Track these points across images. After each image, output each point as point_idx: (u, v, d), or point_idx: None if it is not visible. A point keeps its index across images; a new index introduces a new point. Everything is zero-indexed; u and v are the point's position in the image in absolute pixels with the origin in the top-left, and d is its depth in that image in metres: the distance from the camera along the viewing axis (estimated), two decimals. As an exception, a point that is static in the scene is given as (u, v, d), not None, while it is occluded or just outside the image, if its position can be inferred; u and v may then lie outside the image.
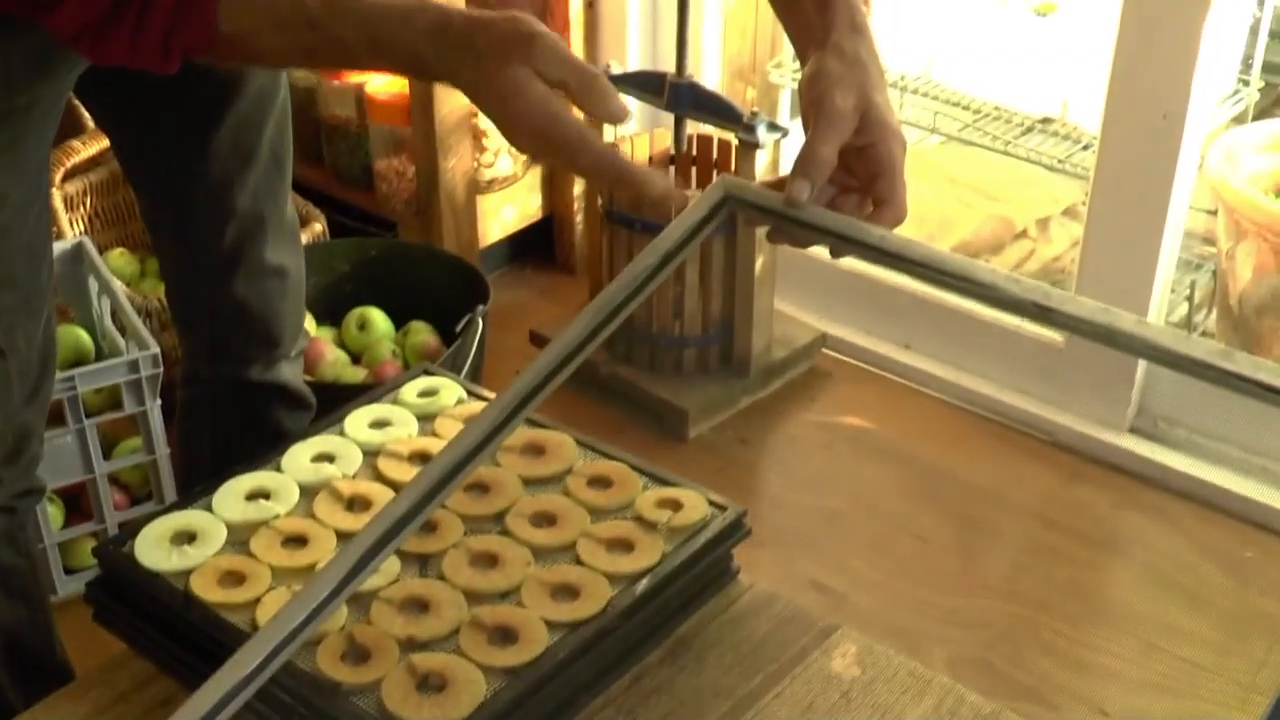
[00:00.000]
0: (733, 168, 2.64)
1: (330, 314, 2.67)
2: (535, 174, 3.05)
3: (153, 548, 1.26)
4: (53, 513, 2.20)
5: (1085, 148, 2.72)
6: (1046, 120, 2.92)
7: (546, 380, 1.05)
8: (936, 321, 2.76)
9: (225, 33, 1.05)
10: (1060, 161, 2.72)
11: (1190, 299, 2.69)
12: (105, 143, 2.63)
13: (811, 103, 1.10)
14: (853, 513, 2.48)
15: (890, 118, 1.11)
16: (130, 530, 1.28)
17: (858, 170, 1.13)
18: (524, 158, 3.01)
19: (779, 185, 1.12)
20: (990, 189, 3.11)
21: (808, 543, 2.39)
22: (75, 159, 2.58)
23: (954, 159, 3.20)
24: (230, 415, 1.76)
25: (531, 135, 1.04)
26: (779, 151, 2.75)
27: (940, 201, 3.08)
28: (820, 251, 1.16)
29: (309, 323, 2.54)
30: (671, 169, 2.77)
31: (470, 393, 1.49)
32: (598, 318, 1.07)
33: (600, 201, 2.69)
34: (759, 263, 2.60)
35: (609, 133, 2.78)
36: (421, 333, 2.62)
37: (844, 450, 2.64)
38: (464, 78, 1.05)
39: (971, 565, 2.35)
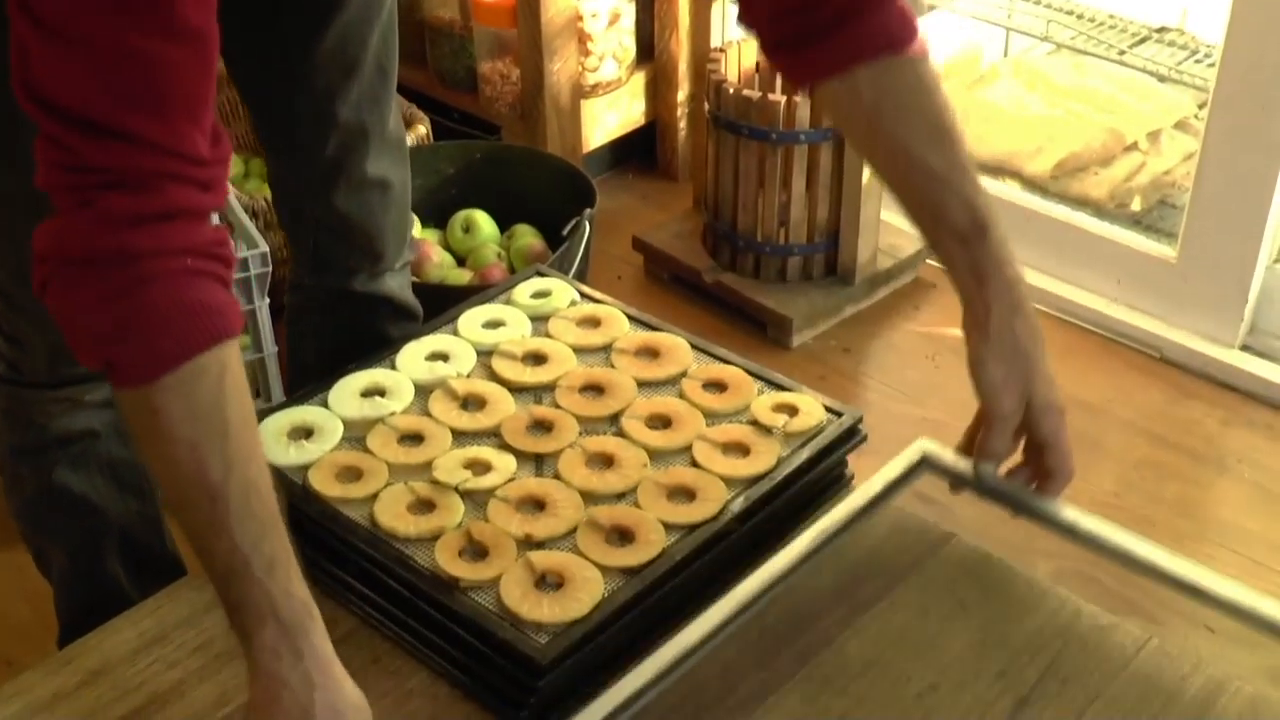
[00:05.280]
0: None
1: (435, 216, 2.68)
2: (639, 79, 3.03)
3: (271, 442, 1.27)
4: (163, 408, 2.23)
5: (1200, 59, 2.66)
6: (1163, 29, 2.85)
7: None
8: (1043, 233, 2.72)
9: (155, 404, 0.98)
10: (1176, 70, 2.66)
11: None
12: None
13: (980, 396, 1.24)
14: (955, 424, 2.39)
15: (1052, 395, 1.22)
16: (247, 425, 1.29)
17: (1026, 445, 1.26)
18: (629, 62, 2.98)
19: (968, 444, 1.30)
20: (1100, 100, 3.05)
21: (910, 453, 2.37)
22: (183, 58, 2.58)
23: (1064, 68, 3.14)
24: (336, 324, 1.75)
25: None
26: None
27: (1049, 112, 3.02)
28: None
29: (414, 225, 2.54)
30: (779, 76, 2.73)
31: (582, 294, 1.49)
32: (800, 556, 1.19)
33: (707, 106, 2.67)
34: (866, 172, 2.56)
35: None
36: (526, 236, 2.62)
37: (947, 361, 2.61)
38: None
39: (1076, 479, 2.31)
